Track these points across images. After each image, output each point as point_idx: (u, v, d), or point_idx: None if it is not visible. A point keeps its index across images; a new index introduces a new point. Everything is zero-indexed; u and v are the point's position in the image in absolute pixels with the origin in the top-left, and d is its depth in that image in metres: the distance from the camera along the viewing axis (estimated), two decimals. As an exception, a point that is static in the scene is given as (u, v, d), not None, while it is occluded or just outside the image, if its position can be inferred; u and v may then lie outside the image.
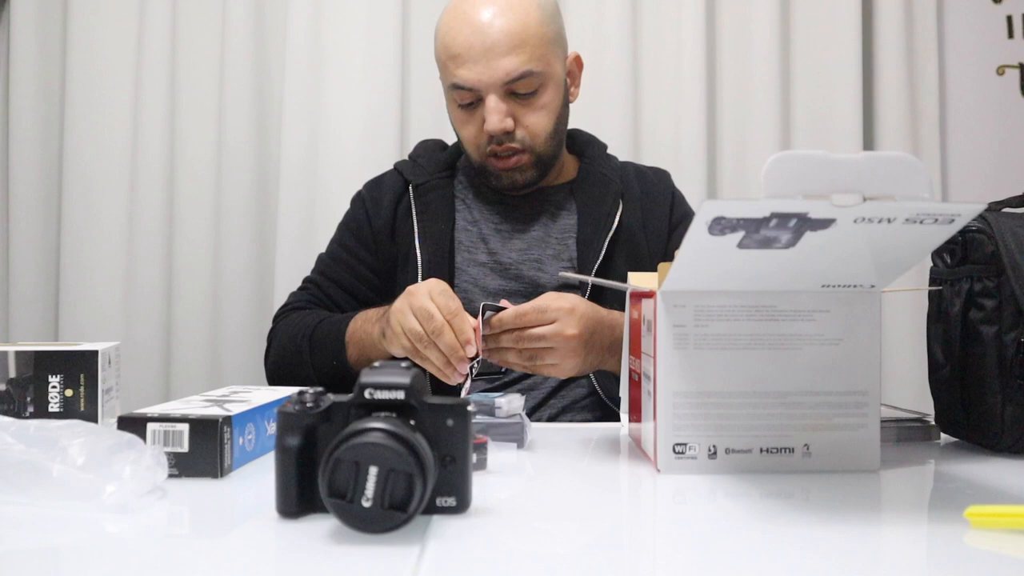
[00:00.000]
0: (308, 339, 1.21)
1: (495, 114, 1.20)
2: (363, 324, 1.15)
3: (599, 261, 1.24)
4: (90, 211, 1.87)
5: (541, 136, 1.24)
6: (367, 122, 1.84)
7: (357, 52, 1.85)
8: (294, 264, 1.81)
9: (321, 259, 1.38)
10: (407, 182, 1.33)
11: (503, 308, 0.98)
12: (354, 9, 1.85)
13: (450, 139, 1.39)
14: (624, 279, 1.18)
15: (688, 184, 1.78)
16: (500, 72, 1.19)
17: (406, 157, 1.41)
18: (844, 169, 0.62)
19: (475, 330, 0.95)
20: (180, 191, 1.88)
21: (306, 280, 1.37)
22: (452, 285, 1.25)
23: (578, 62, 1.34)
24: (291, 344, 1.24)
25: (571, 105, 1.33)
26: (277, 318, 1.33)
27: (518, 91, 1.21)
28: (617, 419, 1.19)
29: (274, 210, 1.85)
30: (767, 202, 0.61)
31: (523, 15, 1.20)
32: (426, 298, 0.98)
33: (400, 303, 1.02)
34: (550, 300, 1.00)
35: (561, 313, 0.99)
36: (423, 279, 1.23)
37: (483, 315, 0.97)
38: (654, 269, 1.26)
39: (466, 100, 1.24)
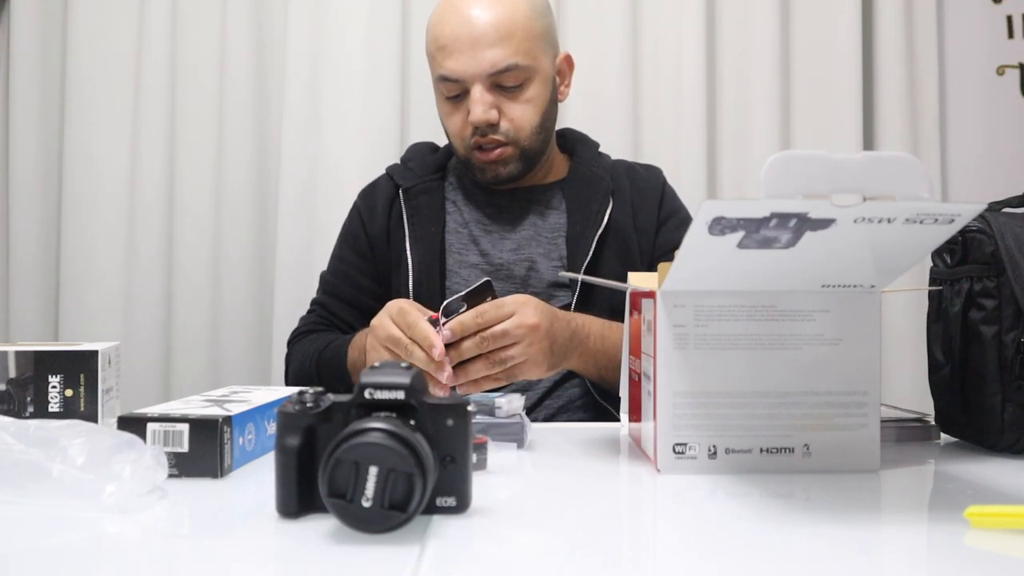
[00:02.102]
0: (315, 366, 1.23)
1: (479, 105, 1.21)
2: (359, 355, 1.15)
3: (588, 258, 1.24)
4: (90, 211, 1.87)
5: (526, 129, 1.25)
6: (367, 124, 1.84)
7: (357, 54, 1.85)
8: (294, 263, 1.82)
9: (323, 278, 1.39)
10: (398, 186, 1.33)
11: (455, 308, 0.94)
12: (354, 11, 1.85)
13: (444, 141, 1.40)
14: (615, 276, 1.17)
15: (688, 184, 1.78)
16: (485, 63, 1.20)
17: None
18: (844, 169, 0.62)
19: (435, 319, 0.94)
20: (180, 190, 1.88)
21: (313, 302, 1.38)
22: (443, 288, 1.26)
23: (568, 62, 1.34)
24: (302, 372, 1.27)
25: (571, 105, 1.34)
26: (290, 343, 1.36)
27: (504, 83, 1.22)
28: (611, 419, 1.19)
29: (274, 209, 1.86)
30: (767, 202, 0.61)
31: (511, 9, 1.21)
32: (389, 326, 0.97)
33: (370, 341, 1.01)
34: (502, 298, 0.97)
35: (517, 305, 0.96)
36: (414, 283, 1.25)
37: (444, 315, 0.93)
38: (644, 266, 1.27)
39: (453, 92, 1.24)
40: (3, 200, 1.90)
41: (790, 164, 0.62)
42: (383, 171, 1.41)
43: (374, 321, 1.00)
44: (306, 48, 1.84)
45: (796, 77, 1.89)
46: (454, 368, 0.94)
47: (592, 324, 1.10)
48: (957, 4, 1.95)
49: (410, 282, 1.25)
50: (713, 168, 1.89)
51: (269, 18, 1.89)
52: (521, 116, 1.24)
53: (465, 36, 1.20)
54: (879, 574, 0.53)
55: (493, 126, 1.23)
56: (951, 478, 0.77)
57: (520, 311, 0.96)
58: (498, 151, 1.24)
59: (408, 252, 1.27)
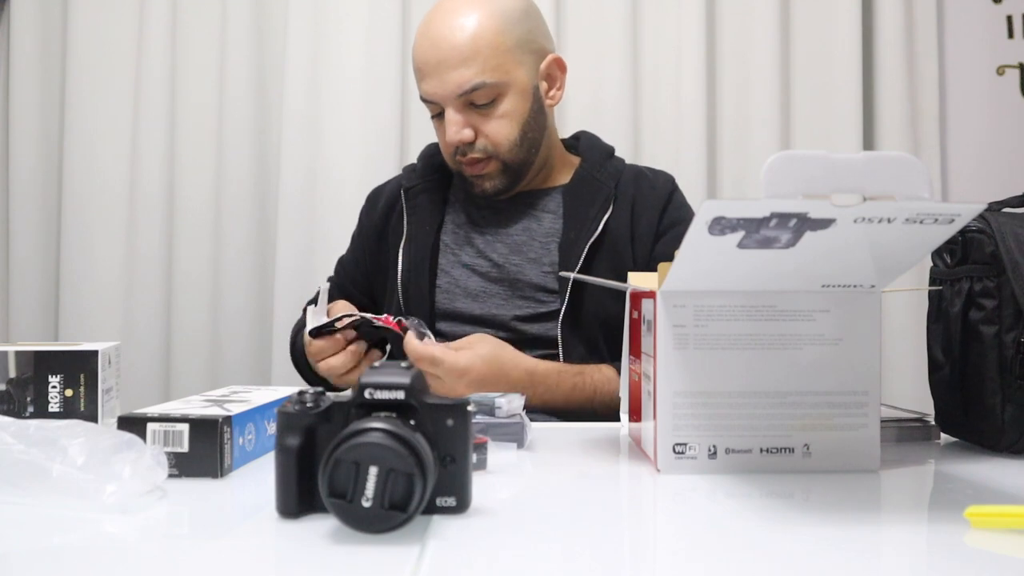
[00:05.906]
0: (292, 346, 1.36)
1: (452, 126, 1.23)
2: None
3: (579, 266, 1.22)
4: (90, 211, 1.87)
5: (504, 144, 1.25)
6: (367, 126, 1.84)
7: (357, 56, 1.85)
8: (294, 265, 1.82)
9: (339, 260, 1.47)
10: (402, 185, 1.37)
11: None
12: (354, 13, 1.85)
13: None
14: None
15: (688, 184, 1.78)
16: (451, 85, 1.21)
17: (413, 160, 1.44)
18: (844, 169, 0.62)
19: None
20: (180, 191, 1.88)
21: (328, 278, 1.46)
22: (433, 286, 1.29)
23: (559, 65, 1.32)
24: (292, 348, 1.38)
25: (571, 106, 1.34)
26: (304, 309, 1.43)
27: (475, 102, 1.23)
28: None
29: (274, 210, 1.86)
30: (767, 202, 0.61)
31: (475, 28, 1.21)
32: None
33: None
34: (448, 355, 1.04)
35: (452, 376, 1.03)
36: (402, 280, 1.30)
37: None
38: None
39: (434, 111, 1.28)
40: (3, 200, 1.90)
41: (790, 164, 0.62)
42: (383, 172, 1.44)
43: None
44: (306, 50, 1.84)
45: (796, 77, 1.89)
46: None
47: (563, 376, 1.16)
48: (957, 4, 1.95)
49: (399, 280, 1.29)
50: (713, 168, 1.89)
51: (269, 20, 1.89)
52: (496, 131, 1.24)
53: (432, 59, 1.22)
54: (879, 574, 0.53)
55: (470, 144, 1.25)
56: (951, 478, 0.77)
57: (451, 382, 1.04)
58: (480, 165, 1.26)
59: (400, 250, 1.31)
